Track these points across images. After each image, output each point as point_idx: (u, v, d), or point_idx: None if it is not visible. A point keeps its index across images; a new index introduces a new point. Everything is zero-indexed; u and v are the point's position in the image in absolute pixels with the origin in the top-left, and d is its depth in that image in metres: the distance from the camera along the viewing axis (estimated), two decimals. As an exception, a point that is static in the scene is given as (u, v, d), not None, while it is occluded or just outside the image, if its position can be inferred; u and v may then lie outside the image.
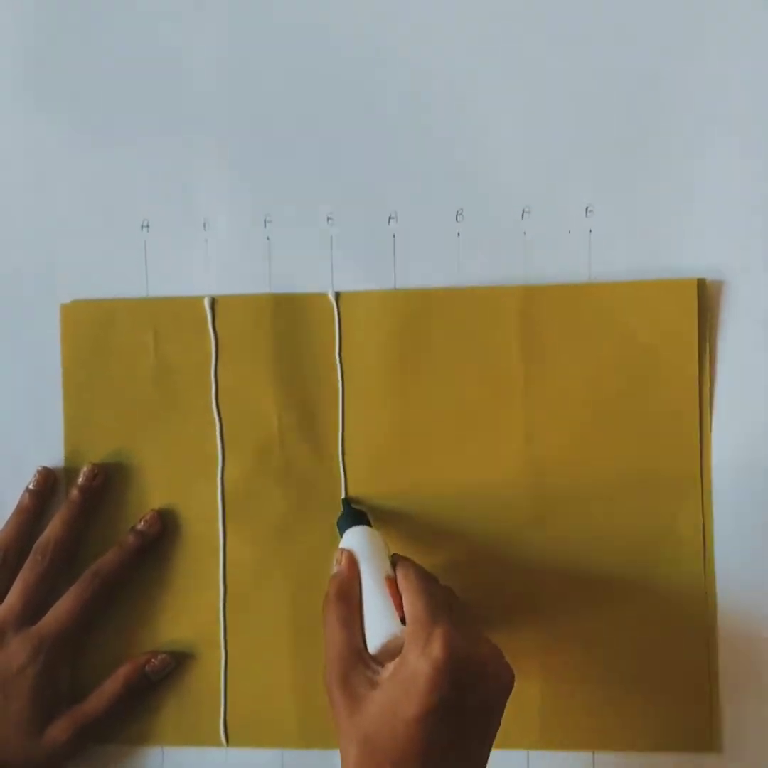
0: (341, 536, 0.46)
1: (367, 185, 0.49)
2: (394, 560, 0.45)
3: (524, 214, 0.49)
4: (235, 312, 0.50)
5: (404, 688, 0.39)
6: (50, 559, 0.49)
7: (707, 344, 0.48)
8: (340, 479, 0.49)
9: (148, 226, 0.50)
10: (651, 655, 0.48)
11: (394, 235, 0.49)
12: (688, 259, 0.48)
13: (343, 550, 0.45)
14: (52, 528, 0.49)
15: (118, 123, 0.51)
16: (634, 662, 0.48)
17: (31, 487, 0.50)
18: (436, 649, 0.39)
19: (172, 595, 0.50)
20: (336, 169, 0.49)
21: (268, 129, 0.50)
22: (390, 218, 0.49)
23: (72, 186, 0.51)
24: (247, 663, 0.49)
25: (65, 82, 0.51)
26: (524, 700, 0.48)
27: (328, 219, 0.49)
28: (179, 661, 0.50)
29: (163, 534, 0.50)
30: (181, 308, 0.50)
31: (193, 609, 0.50)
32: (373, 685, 0.40)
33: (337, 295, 0.49)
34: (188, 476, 0.50)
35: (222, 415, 0.50)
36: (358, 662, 0.41)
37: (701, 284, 0.48)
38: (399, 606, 0.42)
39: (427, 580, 0.43)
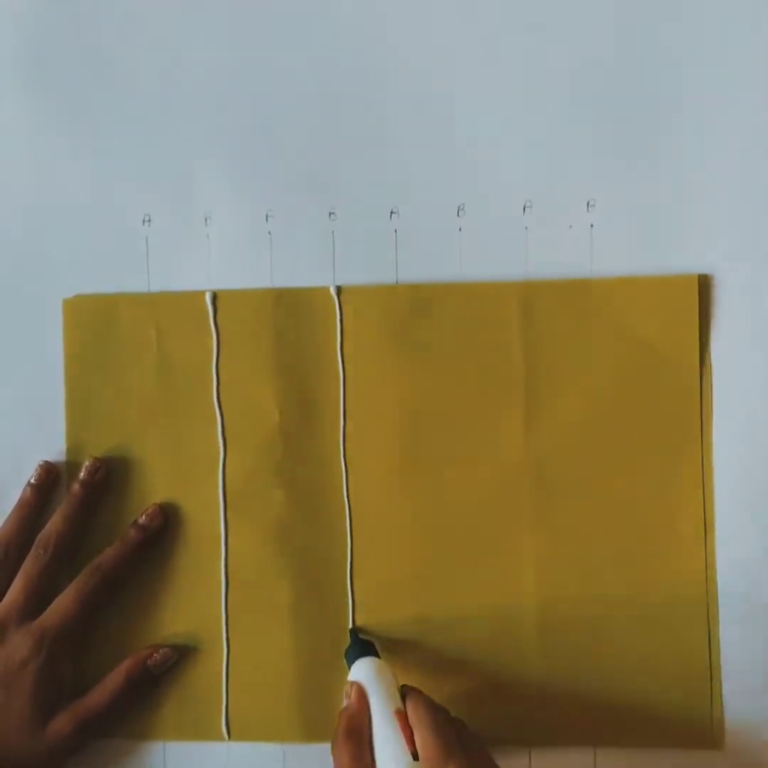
0: (349, 667, 0.46)
1: (369, 180, 0.49)
2: (404, 692, 0.45)
3: (525, 209, 0.49)
4: (236, 306, 0.50)
5: None
6: (52, 553, 0.49)
7: (708, 340, 0.48)
8: (342, 473, 0.49)
9: (149, 221, 0.50)
10: (652, 653, 0.48)
11: (395, 230, 0.49)
12: (689, 254, 0.48)
13: (352, 683, 0.45)
14: (54, 522, 0.49)
15: (120, 117, 0.51)
16: (635, 660, 0.48)
17: (32, 481, 0.50)
18: None
19: (174, 589, 0.50)
20: (337, 163, 0.49)
21: (270, 124, 0.50)
22: (391, 213, 0.49)
23: (74, 180, 0.51)
24: (249, 657, 0.50)
25: (66, 77, 0.51)
26: (526, 698, 0.48)
27: (330, 214, 0.50)
28: (181, 655, 0.50)
29: (164, 528, 0.50)
30: (183, 303, 0.50)
31: (195, 603, 0.50)
32: None
33: (339, 290, 0.49)
34: (190, 470, 0.50)
35: (223, 409, 0.50)
36: None
37: (702, 280, 0.48)
38: (410, 740, 0.42)
39: (437, 712, 0.43)
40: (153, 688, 0.50)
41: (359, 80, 0.49)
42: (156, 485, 0.50)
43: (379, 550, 0.49)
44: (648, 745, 0.48)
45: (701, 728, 0.48)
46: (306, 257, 0.50)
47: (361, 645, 0.47)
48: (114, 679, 0.49)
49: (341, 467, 0.49)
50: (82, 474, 0.50)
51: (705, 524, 0.48)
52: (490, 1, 0.49)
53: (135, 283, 0.50)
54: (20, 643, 0.48)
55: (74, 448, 0.50)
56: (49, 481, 0.50)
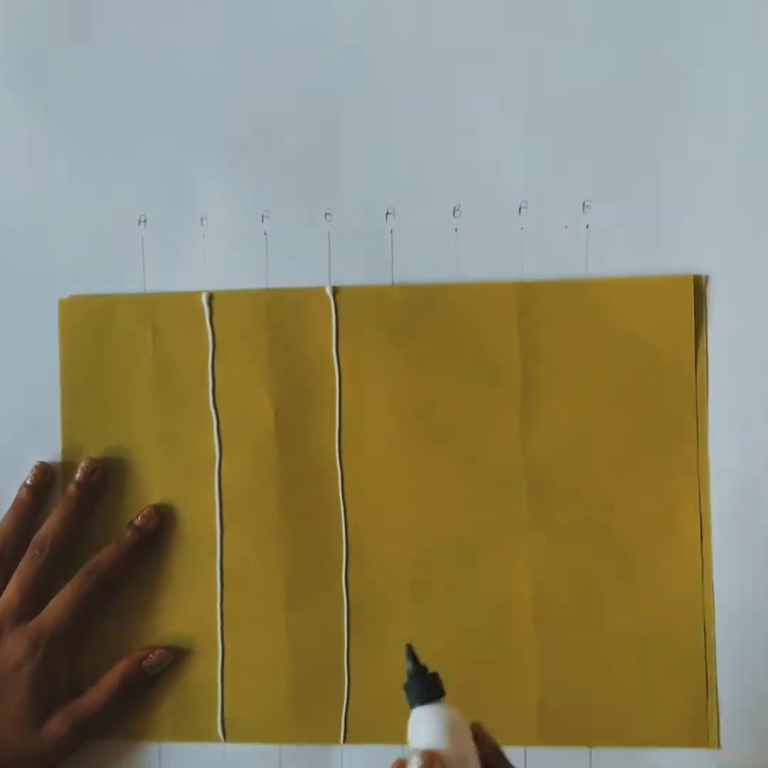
0: (410, 704, 0.37)
1: (365, 181, 0.49)
2: (476, 733, 0.37)
3: (521, 210, 0.49)
4: (232, 307, 0.50)
5: None
6: (48, 554, 0.49)
7: (703, 340, 0.48)
8: (337, 475, 0.49)
9: (145, 222, 0.50)
10: (649, 652, 0.48)
11: (391, 231, 0.49)
12: (684, 255, 0.48)
13: (431, 755, 0.35)
14: (50, 523, 0.49)
15: (115, 119, 0.51)
16: (632, 659, 0.48)
17: (28, 482, 0.50)
18: None
19: (170, 590, 0.50)
20: (334, 164, 0.49)
21: (266, 124, 0.50)
22: (387, 214, 0.49)
23: (69, 181, 0.51)
24: (244, 658, 0.49)
25: (63, 79, 0.51)
26: (522, 697, 0.48)
27: (326, 214, 0.50)
28: (177, 657, 0.50)
29: (160, 529, 0.50)
30: (179, 304, 0.50)
31: (191, 604, 0.50)
32: None
33: (335, 291, 0.49)
34: (186, 471, 0.50)
35: (219, 410, 0.50)
36: None
37: (697, 281, 0.48)
38: None
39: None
40: (148, 689, 0.49)
41: (355, 81, 0.49)
42: (152, 486, 0.50)
43: (375, 551, 0.49)
44: (644, 744, 0.48)
45: (697, 727, 0.48)
46: (302, 258, 0.50)
47: (426, 681, 0.38)
48: (109, 680, 0.48)
49: (337, 468, 0.49)
50: (78, 475, 0.50)
51: (701, 524, 0.48)
52: (488, 2, 0.49)
53: (131, 283, 0.50)
54: (16, 645, 0.48)
55: (70, 449, 0.50)
56: (45, 481, 0.50)
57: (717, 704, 0.48)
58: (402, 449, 0.49)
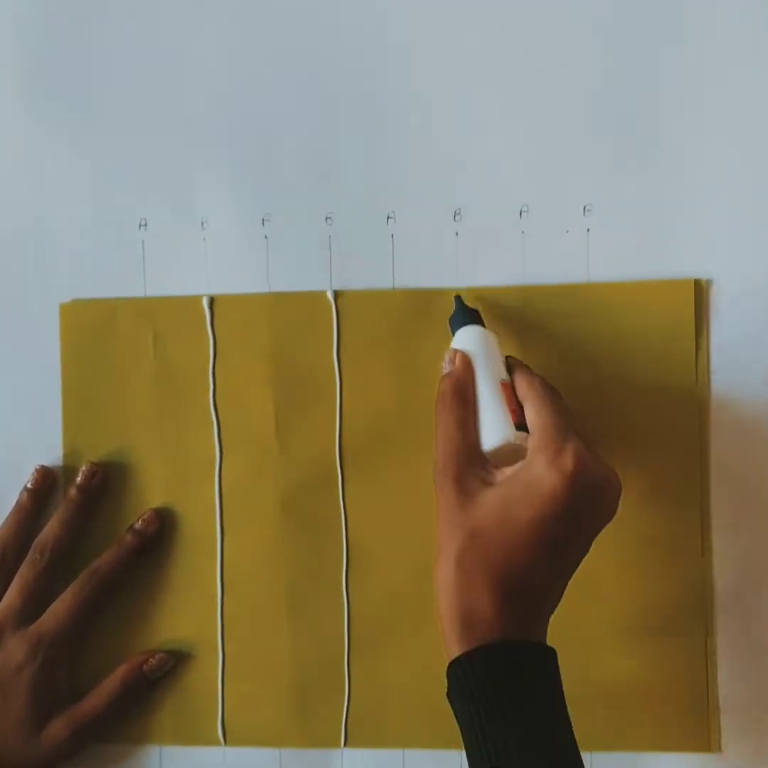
0: (453, 334, 0.45)
1: (366, 184, 0.49)
2: (511, 364, 0.44)
3: (522, 214, 0.49)
4: (233, 311, 0.50)
5: (524, 493, 0.40)
6: (49, 557, 0.49)
7: (705, 344, 0.48)
8: (338, 479, 0.49)
9: (146, 225, 0.50)
10: (650, 655, 0.48)
11: (392, 235, 0.49)
12: (685, 259, 0.48)
13: (456, 350, 0.44)
14: (51, 527, 0.49)
15: (116, 122, 0.51)
16: (633, 662, 0.48)
17: (29, 486, 0.50)
18: (568, 462, 0.40)
19: (170, 594, 0.50)
20: (334, 168, 0.50)
21: (267, 128, 0.50)
22: (388, 218, 0.49)
23: (71, 185, 0.51)
24: (244, 662, 0.49)
25: (64, 81, 0.51)
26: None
27: (327, 218, 0.50)
28: (177, 661, 0.50)
29: (161, 533, 0.50)
30: (180, 307, 0.50)
31: (191, 608, 0.50)
32: (488, 484, 0.41)
33: (336, 294, 0.49)
34: (186, 475, 0.50)
35: (220, 414, 0.50)
36: (474, 461, 0.42)
37: (698, 284, 0.48)
38: (514, 412, 0.42)
39: (554, 392, 0.43)
40: (149, 693, 0.49)
41: (356, 85, 0.50)
42: (152, 490, 0.50)
43: (376, 554, 0.49)
44: (645, 749, 0.48)
45: (699, 732, 0.47)
46: (303, 261, 0.50)
47: (466, 312, 0.45)
48: (110, 684, 0.49)
49: (337, 472, 0.49)
50: (78, 479, 0.50)
51: (702, 526, 0.48)
52: (488, 5, 0.49)
53: (132, 287, 0.50)
54: (16, 648, 0.48)
55: (71, 453, 0.50)
56: (46, 485, 0.50)
57: (718, 709, 0.48)
58: (403, 452, 0.49)
